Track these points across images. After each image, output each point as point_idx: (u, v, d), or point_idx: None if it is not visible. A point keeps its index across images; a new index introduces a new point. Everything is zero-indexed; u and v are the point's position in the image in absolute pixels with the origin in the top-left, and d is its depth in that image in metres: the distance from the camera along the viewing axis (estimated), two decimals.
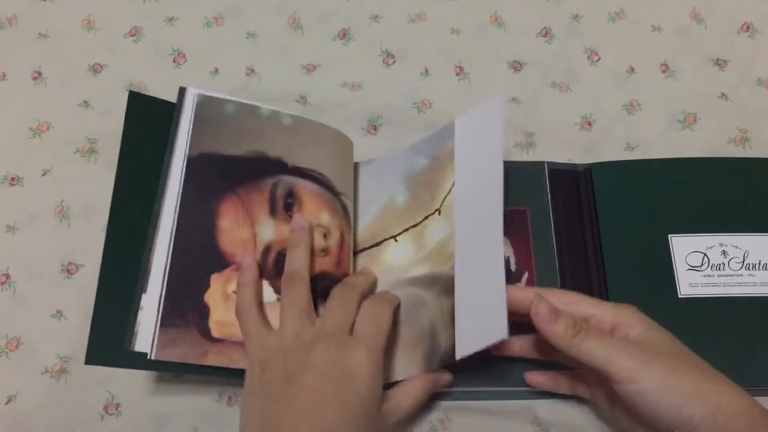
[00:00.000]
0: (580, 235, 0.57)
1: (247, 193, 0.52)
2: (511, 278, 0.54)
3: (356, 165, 0.58)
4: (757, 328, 0.53)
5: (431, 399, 0.53)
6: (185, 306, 0.48)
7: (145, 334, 0.47)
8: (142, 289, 0.48)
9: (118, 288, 0.48)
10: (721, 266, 0.55)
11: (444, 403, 0.54)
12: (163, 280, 0.48)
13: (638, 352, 0.41)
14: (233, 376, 0.48)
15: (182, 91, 0.54)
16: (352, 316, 0.46)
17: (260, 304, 0.48)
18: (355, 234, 0.55)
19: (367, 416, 0.43)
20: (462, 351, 0.45)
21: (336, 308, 0.47)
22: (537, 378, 0.51)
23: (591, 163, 0.59)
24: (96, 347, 0.47)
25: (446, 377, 0.50)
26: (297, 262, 0.49)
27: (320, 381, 0.43)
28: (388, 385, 0.48)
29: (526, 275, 0.54)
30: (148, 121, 0.53)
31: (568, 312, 0.43)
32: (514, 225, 0.55)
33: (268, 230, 0.51)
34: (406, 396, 0.47)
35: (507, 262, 0.54)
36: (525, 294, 0.44)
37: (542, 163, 0.58)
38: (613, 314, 0.44)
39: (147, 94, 0.64)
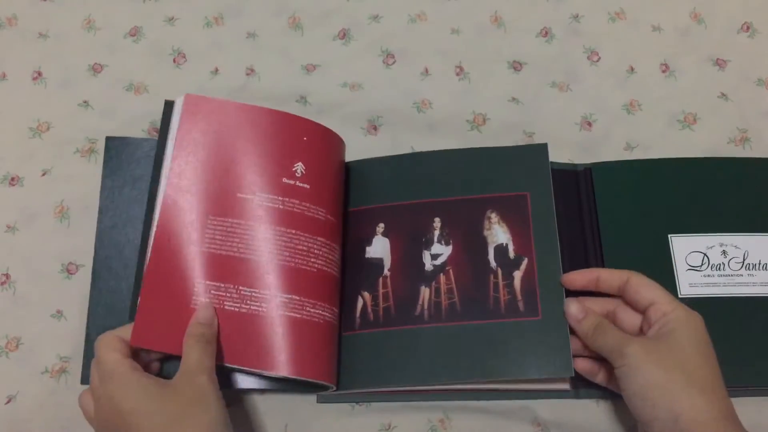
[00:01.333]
0: (580, 235, 0.57)
1: None
2: (510, 265, 0.53)
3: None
4: (756, 328, 0.53)
5: (430, 399, 0.53)
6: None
7: None
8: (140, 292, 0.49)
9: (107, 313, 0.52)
10: (721, 266, 0.55)
11: (444, 403, 0.54)
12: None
13: (636, 341, 0.46)
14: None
15: (169, 104, 0.53)
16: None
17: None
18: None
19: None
20: None
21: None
22: (582, 364, 0.52)
23: (591, 163, 0.59)
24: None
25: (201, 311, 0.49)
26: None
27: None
28: None
29: (525, 261, 0.53)
30: (126, 161, 0.56)
31: (635, 293, 0.49)
32: (513, 211, 0.55)
33: None
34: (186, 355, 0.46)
35: (504, 248, 0.54)
36: (619, 275, 0.50)
37: (544, 144, 0.57)
38: (669, 307, 0.47)
39: (145, 94, 0.65)
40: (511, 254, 0.54)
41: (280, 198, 0.51)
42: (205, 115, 0.52)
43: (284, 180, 0.52)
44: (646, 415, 0.44)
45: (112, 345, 0.46)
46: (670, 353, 0.45)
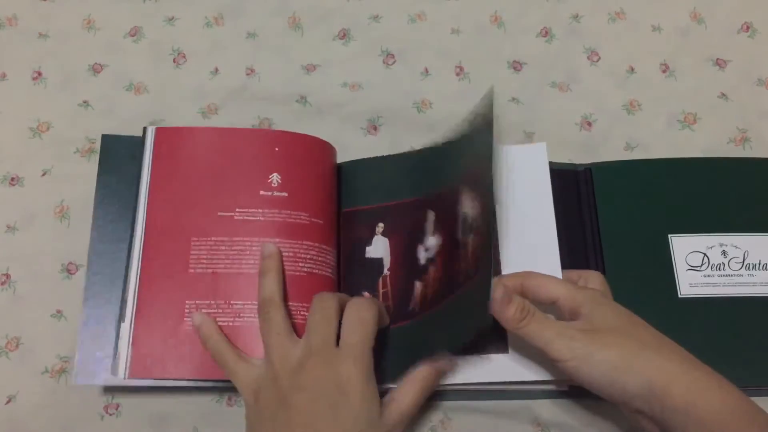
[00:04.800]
0: (580, 235, 0.57)
1: None
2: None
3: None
4: (757, 329, 0.53)
5: (430, 399, 0.53)
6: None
7: (123, 360, 0.49)
8: (121, 318, 0.50)
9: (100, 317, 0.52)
10: (721, 266, 0.55)
11: (444, 403, 0.54)
12: (134, 308, 0.51)
13: (574, 331, 0.44)
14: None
15: (144, 130, 0.55)
16: (334, 327, 0.46)
17: (285, 300, 0.49)
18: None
19: (367, 427, 0.43)
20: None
21: (317, 322, 0.46)
22: None
23: (591, 163, 0.59)
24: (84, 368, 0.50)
25: (447, 366, 0.49)
26: (268, 289, 0.48)
27: (312, 401, 0.43)
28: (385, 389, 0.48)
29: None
30: (122, 160, 0.56)
31: (535, 294, 0.47)
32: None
33: None
34: (405, 395, 0.47)
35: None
36: (513, 280, 0.48)
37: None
38: (574, 296, 0.46)
39: (145, 94, 0.65)
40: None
41: (259, 210, 0.52)
42: (176, 146, 0.54)
43: (261, 192, 0.53)
44: (620, 397, 0.43)
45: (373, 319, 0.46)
46: (607, 330, 0.44)
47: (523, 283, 0.48)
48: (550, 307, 0.48)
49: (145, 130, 0.55)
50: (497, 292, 0.45)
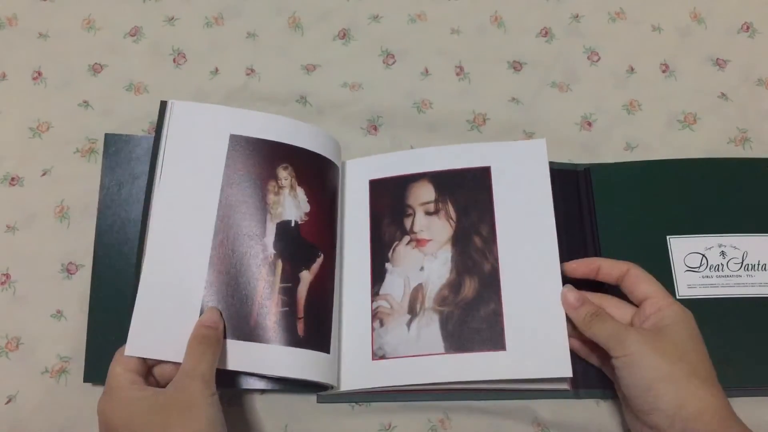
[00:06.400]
0: (579, 235, 0.57)
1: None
2: None
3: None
4: (755, 329, 0.53)
5: (430, 399, 0.53)
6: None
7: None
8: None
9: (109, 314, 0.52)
10: (720, 267, 0.55)
11: (444, 403, 0.54)
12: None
13: (636, 332, 0.46)
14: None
15: (164, 104, 0.54)
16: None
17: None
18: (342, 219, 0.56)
19: (151, 402, 0.44)
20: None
21: None
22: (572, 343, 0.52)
23: (590, 164, 0.59)
24: (93, 366, 0.51)
25: (209, 316, 0.48)
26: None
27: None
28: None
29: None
30: (126, 158, 0.56)
31: (630, 287, 0.49)
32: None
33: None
34: (185, 357, 0.46)
35: None
36: (619, 266, 0.50)
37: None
38: (669, 305, 0.48)
39: (145, 94, 0.65)
40: None
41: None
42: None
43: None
44: (647, 405, 0.45)
45: (119, 359, 0.47)
46: (671, 345, 0.45)
47: (629, 270, 0.50)
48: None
49: (165, 104, 0.54)
50: (570, 296, 0.50)
